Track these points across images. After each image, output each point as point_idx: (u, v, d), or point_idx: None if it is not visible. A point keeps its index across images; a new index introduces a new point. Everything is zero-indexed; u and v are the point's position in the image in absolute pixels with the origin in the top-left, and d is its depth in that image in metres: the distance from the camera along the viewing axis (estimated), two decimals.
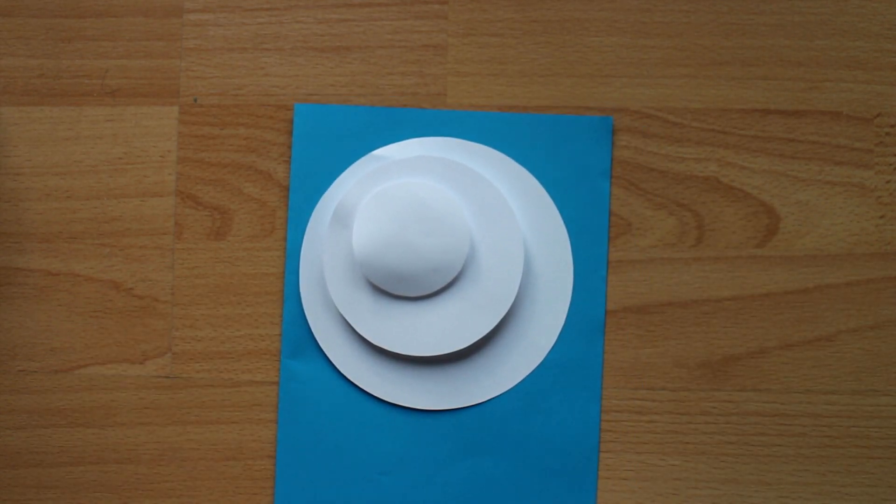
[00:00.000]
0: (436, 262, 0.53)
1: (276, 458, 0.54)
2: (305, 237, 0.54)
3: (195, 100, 0.55)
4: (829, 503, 0.54)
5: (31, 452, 0.54)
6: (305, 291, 0.54)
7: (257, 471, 0.54)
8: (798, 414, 0.54)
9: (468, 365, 0.54)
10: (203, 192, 0.55)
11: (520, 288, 0.54)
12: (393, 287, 0.53)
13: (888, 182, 0.54)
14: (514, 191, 0.54)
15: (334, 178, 0.55)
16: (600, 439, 0.54)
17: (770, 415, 0.54)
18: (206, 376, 0.54)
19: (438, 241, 0.53)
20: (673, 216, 0.54)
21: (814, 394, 0.54)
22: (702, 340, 0.54)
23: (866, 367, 0.54)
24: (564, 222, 0.54)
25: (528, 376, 0.54)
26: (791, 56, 0.55)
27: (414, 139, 0.55)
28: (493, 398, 0.54)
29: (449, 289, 0.53)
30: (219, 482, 0.54)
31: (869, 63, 0.55)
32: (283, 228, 0.55)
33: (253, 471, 0.54)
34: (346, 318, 0.54)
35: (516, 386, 0.54)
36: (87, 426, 0.54)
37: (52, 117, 0.55)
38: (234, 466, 0.54)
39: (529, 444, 0.54)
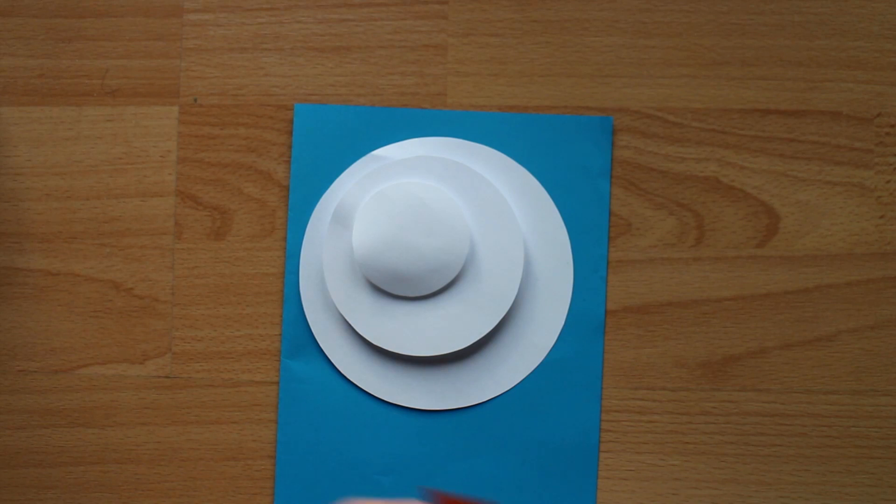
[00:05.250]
0: (436, 262, 0.53)
1: (276, 458, 0.54)
2: (305, 237, 0.54)
3: (195, 100, 0.55)
4: (829, 503, 0.54)
5: (31, 452, 0.54)
6: (305, 291, 0.54)
7: (257, 471, 0.54)
8: (798, 414, 0.54)
9: (468, 365, 0.54)
10: (203, 192, 0.55)
11: (520, 288, 0.54)
12: (393, 287, 0.53)
13: (888, 182, 0.54)
14: (514, 191, 0.54)
15: (334, 178, 0.55)
16: (600, 439, 0.54)
17: (770, 415, 0.54)
18: (206, 376, 0.54)
19: (438, 241, 0.53)
20: (673, 216, 0.54)
21: (814, 394, 0.54)
22: (702, 340, 0.54)
23: (866, 367, 0.54)
24: (564, 222, 0.54)
25: (528, 376, 0.54)
26: (791, 56, 0.55)
27: (414, 139, 0.55)
28: (493, 398, 0.54)
29: (449, 289, 0.53)
30: (219, 482, 0.54)
31: (869, 63, 0.55)
32: (283, 228, 0.55)
33: (253, 471, 0.54)
34: (346, 318, 0.54)
35: (516, 386, 0.54)
36: (87, 426, 0.54)
37: (52, 117, 0.55)
38: (234, 466, 0.54)
39: (529, 444, 0.54)
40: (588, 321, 0.54)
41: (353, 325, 0.54)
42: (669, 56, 0.55)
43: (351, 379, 0.54)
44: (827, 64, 0.55)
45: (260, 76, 0.55)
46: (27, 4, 0.56)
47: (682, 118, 0.55)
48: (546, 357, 0.54)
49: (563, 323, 0.54)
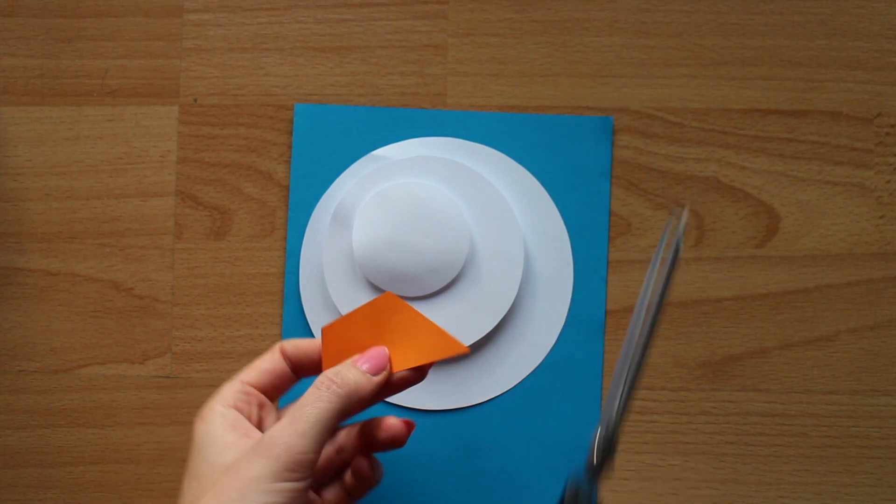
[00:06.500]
0: (436, 262, 0.53)
1: None
2: (305, 237, 0.54)
3: (195, 100, 0.55)
4: (829, 503, 0.54)
5: (31, 452, 0.54)
6: (305, 291, 0.54)
7: None
8: (798, 414, 0.54)
9: (468, 365, 0.54)
10: (203, 192, 0.55)
11: (520, 288, 0.54)
12: (393, 287, 0.53)
13: (888, 182, 0.54)
14: (514, 191, 0.54)
15: (334, 178, 0.54)
16: None
17: (770, 415, 0.54)
18: (206, 376, 0.54)
19: (438, 241, 0.53)
20: (673, 216, 0.54)
21: (814, 394, 0.54)
22: (702, 340, 0.54)
23: (866, 367, 0.54)
24: (564, 222, 0.54)
25: (528, 376, 0.54)
26: (791, 56, 0.55)
27: (414, 139, 0.55)
28: (493, 398, 0.54)
29: (449, 289, 0.53)
30: None
31: (869, 63, 0.55)
32: (283, 228, 0.55)
33: None
34: None
35: (516, 386, 0.54)
36: (87, 426, 0.54)
37: (52, 117, 0.55)
38: None
39: (529, 444, 0.54)
40: (588, 321, 0.54)
41: None
42: (669, 56, 0.55)
43: None
44: (827, 64, 0.55)
45: (260, 76, 0.55)
46: (27, 4, 0.56)
47: (682, 118, 0.55)
48: (546, 357, 0.54)
49: (563, 323, 0.54)
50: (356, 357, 0.43)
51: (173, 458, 0.54)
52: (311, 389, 0.41)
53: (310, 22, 0.55)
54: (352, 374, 0.41)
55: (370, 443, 0.44)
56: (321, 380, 0.41)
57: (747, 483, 0.54)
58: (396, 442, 0.44)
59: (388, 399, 0.54)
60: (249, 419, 0.42)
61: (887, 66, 0.55)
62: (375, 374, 0.42)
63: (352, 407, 0.41)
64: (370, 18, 0.55)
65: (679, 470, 0.54)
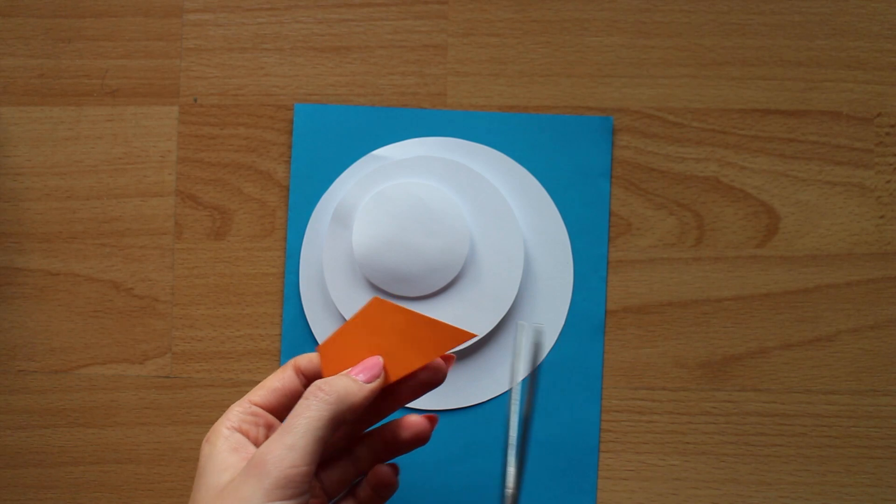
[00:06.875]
0: (436, 262, 0.53)
1: None
2: (305, 237, 0.54)
3: (195, 100, 0.55)
4: (829, 503, 0.54)
5: (31, 452, 0.54)
6: (305, 291, 0.54)
7: None
8: (798, 414, 0.54)
9: (468, 365, 0.54)
10: (203, 192, 0.55)
11: (520, 288, 0.54)
12: (393, 287, 0.53)
13: (888, 182, 0.54)
14: (514, 191, 0.54)
15: (334, 178, 0.55)
16: (600, 439, 0.54)
17: (770, 415, 0.54)
18: (206, 376, 0.54)
19: (438, 241, 0.53)
20: (673, 216, 0.54)
21: (814, 394, 0.54)
22: (702, 340, 0.54)
23: (866, 367, 0.54)
24: (564, 222, 0.54)
25: (528, 376, 0.54)
26: (791, 56, 0.55)
27: (414, 139, 0.55)
28: (493, 398, 0.54)
29: (449, 289, 0.53)
30: None
31: (869, 63, 0.55)
32: (283, 228, 0.55)
33: None
34: (346, 318, 0.54)
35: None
36: (87, 426, 0.54)
37: (52, 117, 0.55)
38: None
39: (529, 444, 0.53)
40: (588, 321, 0.54)
41: None
42: (669, 56, 0.55)
43: None
44: (827, 64, 0.55)
45: (260, 76, 0.55)
46: (27, 4, 0.56)
47: (682, 118, 0.55)
48: (546, 357, 0.54)
49: (563, 323, 0.54)
50: (349, 369, 0.42)
51: (173, 458, 0.54)
52: (300, 401, 0.40)
53: (310, 22, 0.55)
54: (341, 381, 0.40)
55: (392, 446, 0.43)
56: (310, 390, 0.40)
57: (747, 483, 0.54)
58: (421, 439, 0.43)
59: None
60: (255, 442, 0.41)
61: (887, 66, 0.55)
62: (369, 382, 0.41)
63: (343, 415, 0.40)
64: (370, 18, 0.55)
65: (679, 470, 0.54)
